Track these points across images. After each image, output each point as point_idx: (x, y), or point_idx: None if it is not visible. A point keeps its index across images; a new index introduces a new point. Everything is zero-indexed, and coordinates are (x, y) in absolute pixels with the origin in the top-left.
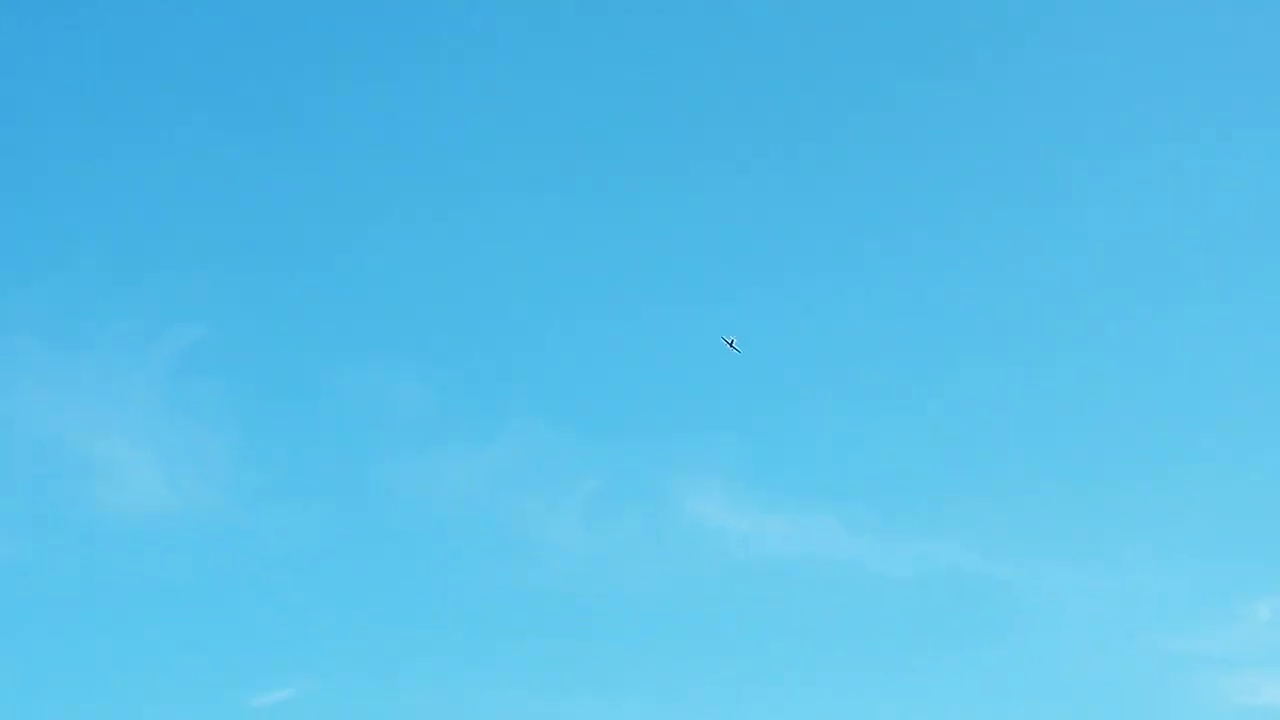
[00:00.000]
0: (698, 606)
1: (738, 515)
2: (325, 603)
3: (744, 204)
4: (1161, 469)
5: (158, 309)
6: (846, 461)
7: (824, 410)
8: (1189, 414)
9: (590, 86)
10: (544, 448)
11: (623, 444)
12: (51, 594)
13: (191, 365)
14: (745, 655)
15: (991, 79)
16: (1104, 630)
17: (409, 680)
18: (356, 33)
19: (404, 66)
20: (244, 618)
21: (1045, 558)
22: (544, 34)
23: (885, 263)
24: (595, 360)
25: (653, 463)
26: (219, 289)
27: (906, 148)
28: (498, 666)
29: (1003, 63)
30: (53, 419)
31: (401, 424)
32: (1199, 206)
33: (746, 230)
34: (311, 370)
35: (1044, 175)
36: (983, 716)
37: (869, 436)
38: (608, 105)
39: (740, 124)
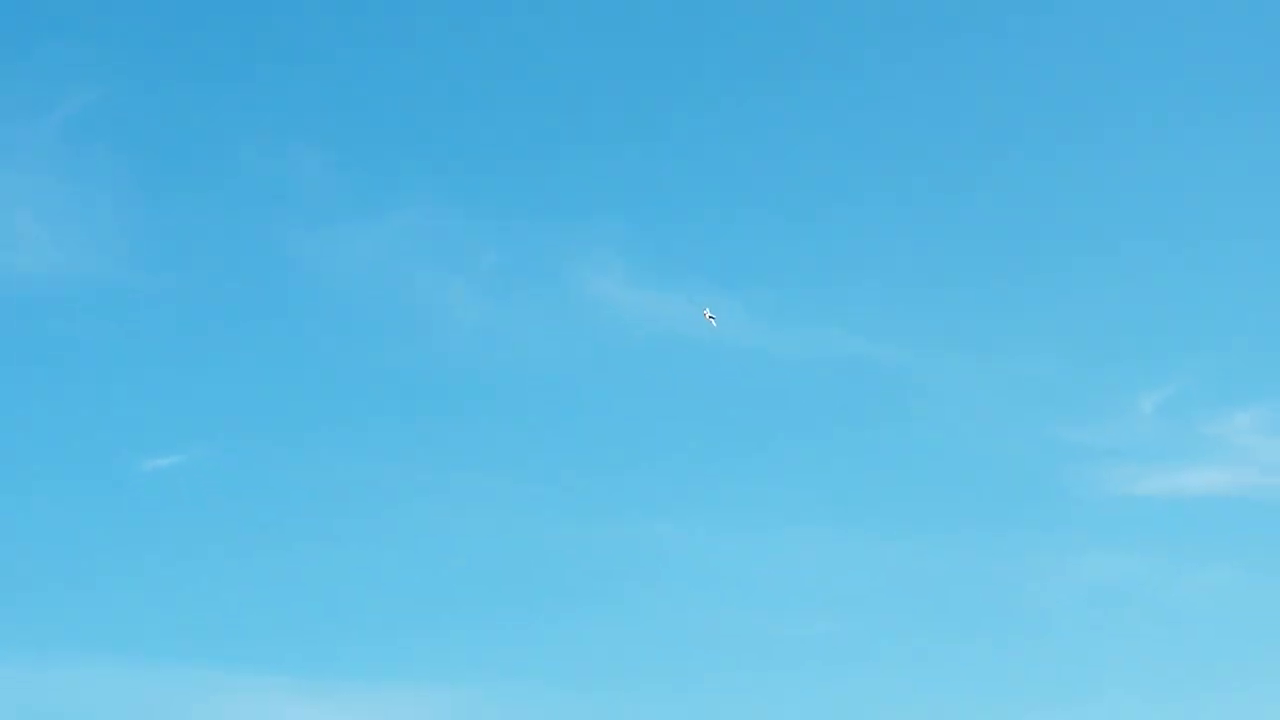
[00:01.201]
0: (595, 382)
1: (637, 294)
2: (218, 370)
3: None
4: (1058, 264)
5: (50, 74)
6: (748, 245)
7: (727, 194)
8: (1086, 213)
9: None
10: (443, 224)
11: (523, 222)
12: None
13: (85, 131)
14: (641, 432)
15: None
16: (995, 418)
17: (303, 449)
18: None
19: None
20: (136, 382)
21: (942, 347)
22: None
23: (801, 54)
24: (497, 139)
25: (553, 241)
26: (114, 55)
27: None
28: (393, 437)
29: None
30: None
31: (300, 196)
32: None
33: (651, 17)
34: (209, 141)
35: None
36: (873, 499)
37: (772, 222)
38: None
39: None
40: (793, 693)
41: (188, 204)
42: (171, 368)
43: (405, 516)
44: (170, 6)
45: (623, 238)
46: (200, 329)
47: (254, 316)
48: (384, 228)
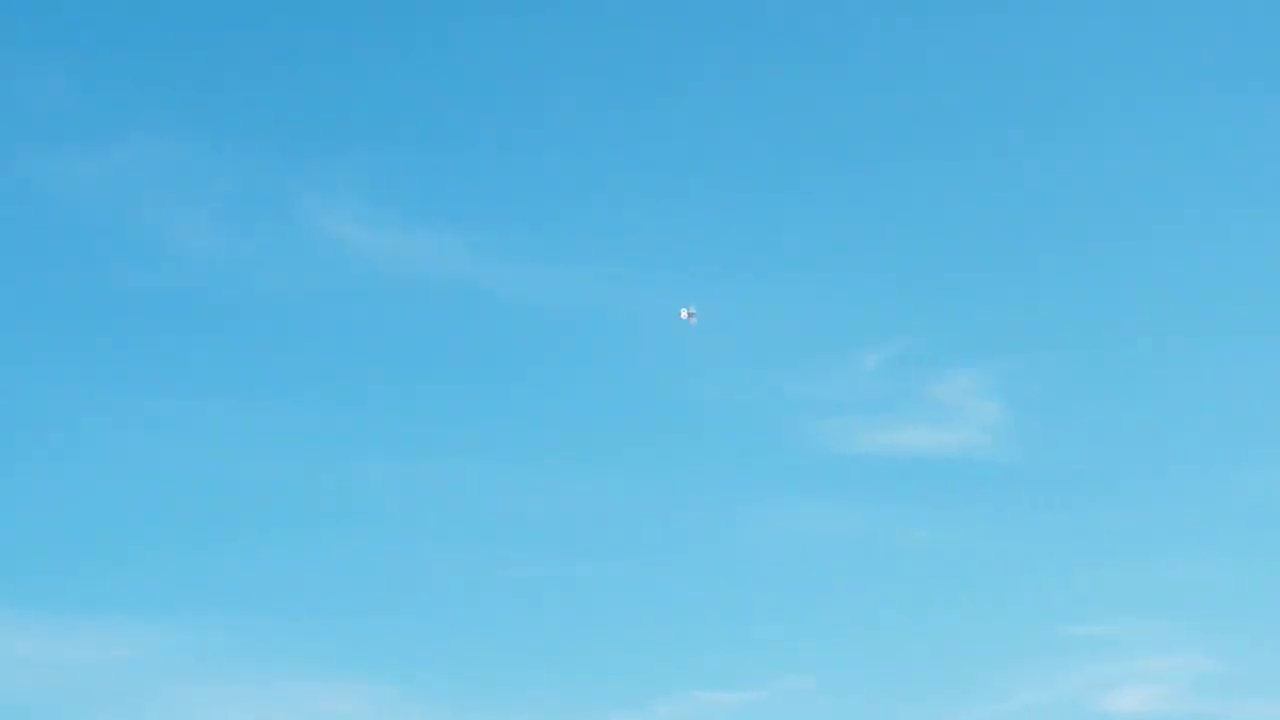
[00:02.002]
0: (324, 318)
1: (373, 233)
2: None
3: None
4: (786, 212)
5: None
6: (486, 186)
7: (468, 134)
8: (809, 157)
9: None
10: (179, 153)
11: (258, 156)
12: None
13: None
14: (365, 369)
15: None
16: (720, 366)
17: (29, 373)
18: None
19: None
20: None
21: (667, 292)
22: None
23: None
24: (238, 71)
25: (288, 176)
26: None
27: None
28: (124, 363)
29: None
30: None
31: (33, 116)
32: None
33: None
34: None
35: None
36: (593, 443)
37: (510, 162)
38: None
39: None
40: (517, 634)
41: None
42: None
43: (110, 443)
44: None
45: (361, 175)
46: None
47: None
48: (119, 153)
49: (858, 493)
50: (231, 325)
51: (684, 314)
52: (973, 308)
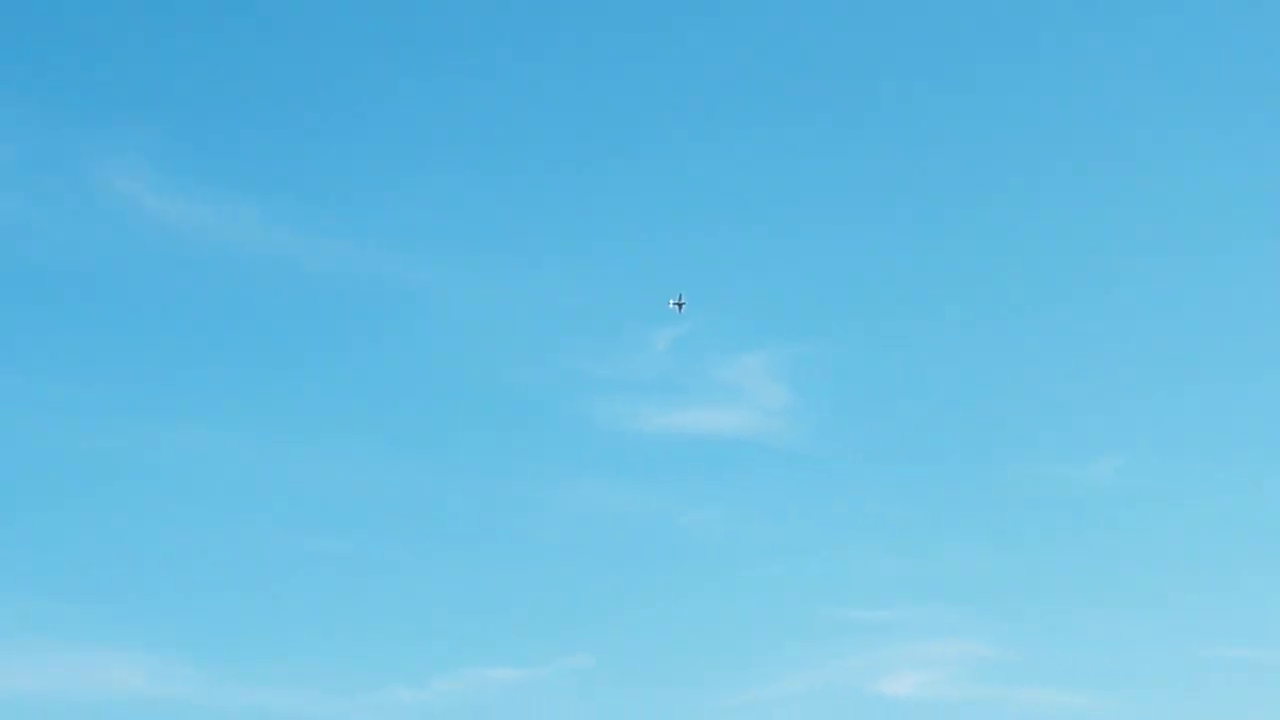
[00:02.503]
0: (119, 284)
1: (164, 199)
2: None
3: None
4: (581, 193)
5: None
6: (280, 155)
7: (267, 101)
8: (601, 139)
9: None
10: None
11: (50, 119)
12: None
13: None
14: (163, 334)
15: None
16: (511, 345)
17: None
18: None
19: None
20: None
21: (464, 267)
22: None
23: None
24: (34, 37)
25: (80, 141)
26: None
27: None
28: None
29: None
30: None
31: None
32: None
33: None
34: None
35: None
36: (383, 416)
37: (304, 134)
38: None
39: None
40: (298, 607)
41: None
42: None
43: None
44: None
45: (153, 143)
46: None
47: None
48: None
49: (645, 473)
50: (19, 289)
51: (672, 303)
52: (762, 291)
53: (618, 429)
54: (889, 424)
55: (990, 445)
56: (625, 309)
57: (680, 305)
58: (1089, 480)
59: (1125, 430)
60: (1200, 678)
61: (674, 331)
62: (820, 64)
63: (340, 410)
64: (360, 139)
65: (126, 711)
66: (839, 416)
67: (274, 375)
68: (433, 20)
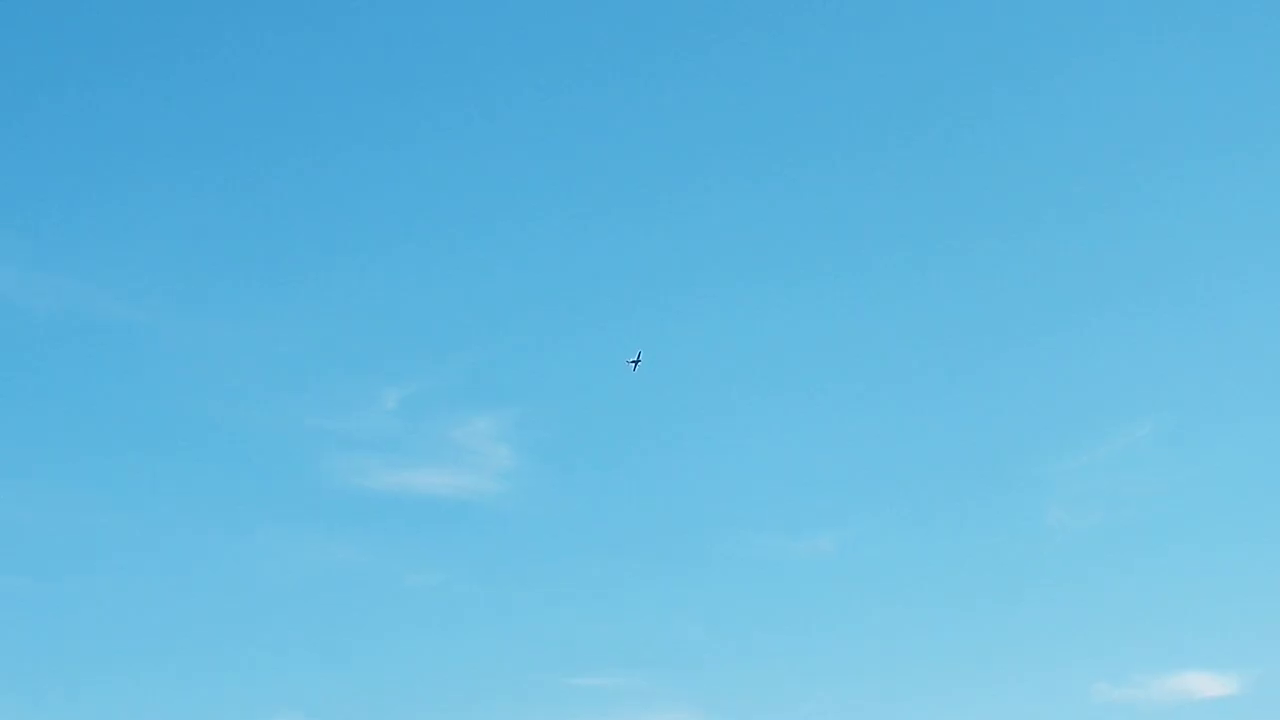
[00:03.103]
0: None
1: None
2: None
3: None
4: (313, 246)
5: None
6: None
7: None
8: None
9: None
10: None
11: None
12: None
13: None
14: None
15: None
16: (240, 391)
17: None
18: None
19: None
20: None
21: (199, 314)
22: None
23: None
24: None
25: None
26: None
27: None
28: None
29: None
30: None
31: None
32: None
33: None
34: None
35: None
36: (111, 460)
37: (37, 174)
38: None
39: None
40: None
41: None
42: None
43: None
44: None
45: None
46: None
47: None
48: None
49: (370, 530)
50: None
51: (629, 361)
52: (493, 355)
53: (343, 484)
54: (613, 492)
55: (713, 516)
56: (355, 365)
57: (636, 363)
58: (806, 553)
59: (842, 506)
60: None
61: (403, 391)
62: None
63: (53, 450)
64: (65, 167)
65: None
66: (564, 481)
67: None
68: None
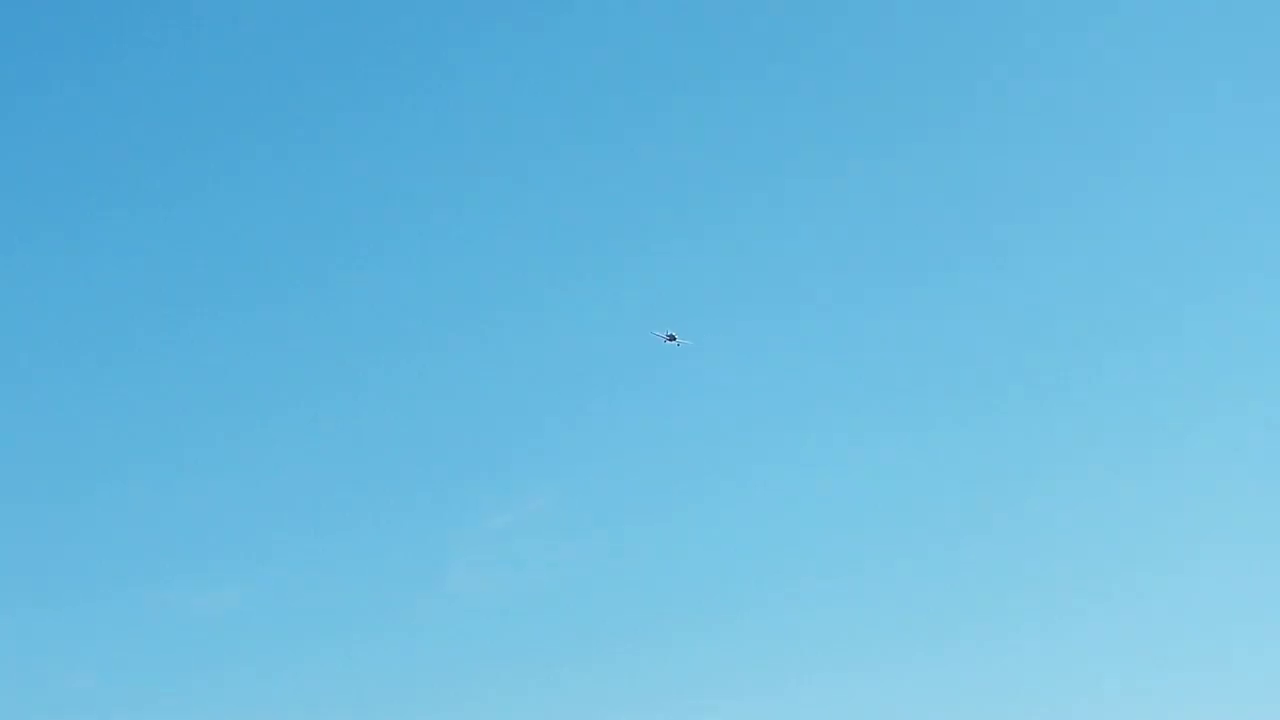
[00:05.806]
0: None
1: None
2: None
3: None
4: None
5: None
6: None
7: None
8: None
9: None
10: None
11: None
12: None
13: None
14: None
15: None
16: None
17: None
18: None
19: None
20: None
21: None
22: None
23: None
24: None
25: None
26: None
27: None
28: None
29: None
30: None
31: None
32: None
33: None
34: None
35: None
36: None
37: None
38: None
39: None
40: None
41: None
42: None
43: None
44: None
45: None
46: None
47: None
48: None
49: None
50: None
51: (664, 337)
52: None
53: None
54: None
55: (126, 571)
56: None
57: (673, 339)
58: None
59: (246, 563)
60: None
61: None
62: None
63: None
64: None
65: None
66: None
67: None
68: None
